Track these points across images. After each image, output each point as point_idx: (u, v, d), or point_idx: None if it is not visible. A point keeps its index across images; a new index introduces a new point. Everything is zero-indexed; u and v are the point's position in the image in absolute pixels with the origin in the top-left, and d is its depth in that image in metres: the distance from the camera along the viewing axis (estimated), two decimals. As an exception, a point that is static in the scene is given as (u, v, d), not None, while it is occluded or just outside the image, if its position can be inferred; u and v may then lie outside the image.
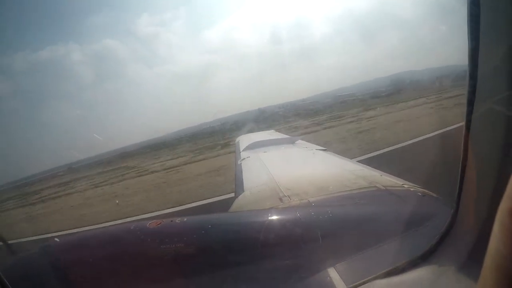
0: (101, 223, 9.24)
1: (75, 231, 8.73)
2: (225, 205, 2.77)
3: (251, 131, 8.44)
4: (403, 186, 1.98)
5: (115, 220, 9.58)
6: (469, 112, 0.90)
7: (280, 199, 2.07)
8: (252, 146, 4.85)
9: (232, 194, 2.97)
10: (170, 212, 8.84)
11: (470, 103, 0.90)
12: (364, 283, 1.09)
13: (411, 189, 1.92)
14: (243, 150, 4.77)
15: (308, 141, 5.33)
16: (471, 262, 0.94)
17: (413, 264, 1.11)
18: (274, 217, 1.56)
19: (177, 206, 9.26)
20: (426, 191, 1.85)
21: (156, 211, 9.49)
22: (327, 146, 5.07)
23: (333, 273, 1.22)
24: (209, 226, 1.49)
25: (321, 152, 4.07)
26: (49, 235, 8.93)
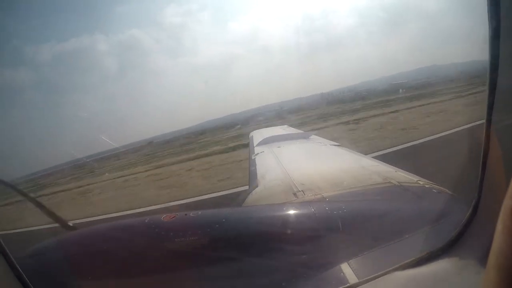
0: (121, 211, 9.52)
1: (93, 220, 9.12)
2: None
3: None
4: (418, 183, 1.97)
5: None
6: (490, 110, 0.90)
7: (295, 194, 2.09)
8: (266, 141, 4.87)
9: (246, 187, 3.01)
10: (184, 203, 8.98)
11: (491, 100, 0.89)
12: (377, 277, 1.10)
13: (426, 186, 1.91)
14: (256, 145, 4.80)
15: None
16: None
17: (430, 258, 1.10)
18: (289, 212, 1.58)
19: (192, 197, 9.40)
20: (442, 188, 1.84)
21: (169, 202, 9.65)
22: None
23: (347, 269, 1.23)
24: (223, 220, 1.50)
25: (335, 147, 4.06)
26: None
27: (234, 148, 18.97)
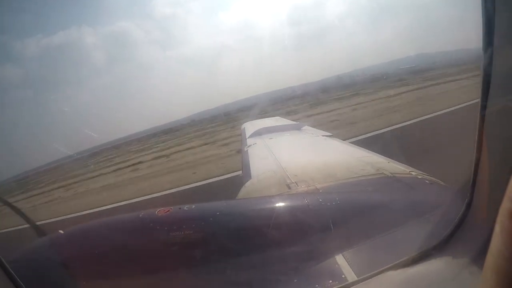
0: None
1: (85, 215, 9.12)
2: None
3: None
4: (411, 174, 1.99)
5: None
6: (483, 105, 0.89)
7: (288, 186, 2.09)
8: (258, 133, 4.85)
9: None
10: (174, 192, 9.40)
11: (485, 95, 0.88)
12: (371, 276, 1.10)
13: (419, 177, 1.92)
14: (249, 137, 4.78)
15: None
16: (484, 255, 0.93)
17: (423, 256, 1.10)
18: (282, 204, 1.58)
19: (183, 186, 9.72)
20: (434, 178, 1.86)
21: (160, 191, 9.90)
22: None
23: (341, 260, 1.24)
24: (217, 213, 1.50)
25: (327, 138, 4.07)
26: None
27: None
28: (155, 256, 1.39)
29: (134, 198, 9.98)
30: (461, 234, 1.06)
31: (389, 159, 2.40)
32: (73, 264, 1.38)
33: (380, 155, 2.58)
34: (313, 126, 5.28)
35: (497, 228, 0.33)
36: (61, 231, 1.66)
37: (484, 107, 0.89)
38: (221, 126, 30.52)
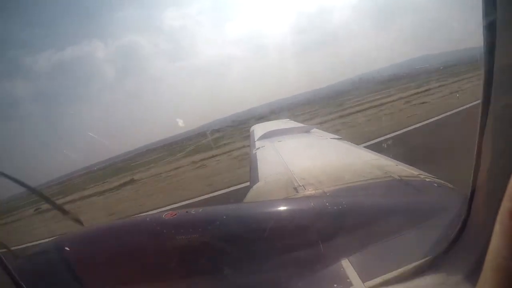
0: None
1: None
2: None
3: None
4: (419, 177, 1.96)
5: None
6: (485, 104, 0.88)
7: (295, 189, 2.09)
8: (267, 135, 4.86)
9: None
10: (185, 204, 9.29)
11: (486, 94, 0.88)
12: (381, 280, 1.10)
13: (427, 180, 1.90)
14: (257, 139, 4.79)
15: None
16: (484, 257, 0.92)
17: (429, 260, 1.10)
18: (289, 208, 1.58)
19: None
20: (442, 181, 1.83)
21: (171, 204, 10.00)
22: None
23: (346, 265, 1.24)
24: (224, 216, 1.51)
25: (336, 141, 4.05)
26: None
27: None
28: (160, 260, 1.40)
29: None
30: (464, 237, 1.06)
31: (398, 161, 2.38)
32: (77, 269, 1.41)
33: (388, 158, 2.55)
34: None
35: (497, 228, 0.34)
36: (66, 234, 1.70)
37: (485, 106, 0.88)
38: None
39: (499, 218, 0.34)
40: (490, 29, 0.81)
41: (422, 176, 1.96)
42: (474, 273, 0.93)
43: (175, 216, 1.49)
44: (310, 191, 1.97)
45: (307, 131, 4.99)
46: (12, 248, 1.74)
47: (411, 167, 2.20)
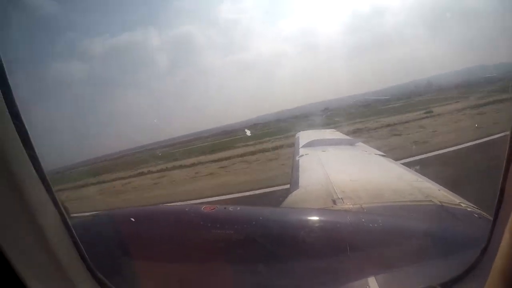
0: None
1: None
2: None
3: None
4: (460, 205, 1.94)
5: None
6: None
7: (334, 201, 2.11)
8: (312, 144, 4.88)
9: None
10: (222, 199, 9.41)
11: None
12: None
13: (468, 209, 1.87)
14: (302, 147, 4.85)
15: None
16: None
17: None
18: (325, 219, 1.61)
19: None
20: (483, 213, 1.79)
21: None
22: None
23: (373, 283, 1.24)
24: (260, 217, 1.54)
25: (380, 157, 4.00)
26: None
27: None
28: (193, 249, 1.47)
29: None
30: (481, 265, 1.07)
31: (441, 186, 2.35)
32: (120, 242, 1.51)
33: (431, 182, 2.52)
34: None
35: (506, 234, 0.36)
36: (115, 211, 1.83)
37: None
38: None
39: (509, 225, 0.36)
40: None
41: (464, 205, 1.93)
42: None
43: (213, 210, 1.54)
44: (348, 205, 1.99)
45: (352, 144, 4.97)
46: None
47: (453, 194, 2.16)
